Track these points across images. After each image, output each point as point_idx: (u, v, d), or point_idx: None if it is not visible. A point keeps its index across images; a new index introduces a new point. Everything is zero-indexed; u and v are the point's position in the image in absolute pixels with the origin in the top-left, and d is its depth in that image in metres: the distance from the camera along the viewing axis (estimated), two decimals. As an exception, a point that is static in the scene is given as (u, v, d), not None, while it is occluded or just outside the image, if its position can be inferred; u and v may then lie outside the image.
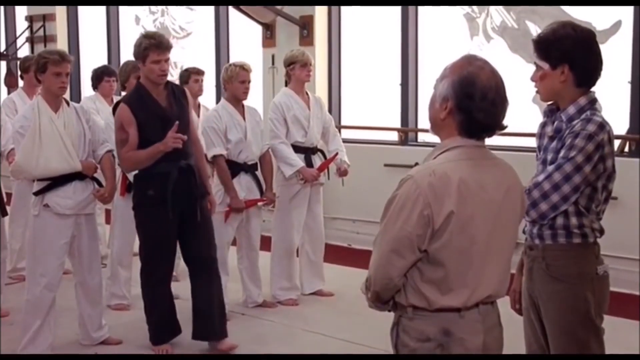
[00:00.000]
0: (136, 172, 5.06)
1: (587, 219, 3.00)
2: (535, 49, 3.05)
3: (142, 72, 4.93)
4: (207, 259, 5.08)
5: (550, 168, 2.96)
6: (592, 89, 3.04)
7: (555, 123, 3.05)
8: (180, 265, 7.02)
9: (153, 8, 9.84)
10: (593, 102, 3.02)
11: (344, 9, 8.04)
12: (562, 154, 2.94)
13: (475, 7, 7.18)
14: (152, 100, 4.87)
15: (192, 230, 4.99)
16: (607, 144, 2.96)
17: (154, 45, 4.77)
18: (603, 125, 2.95)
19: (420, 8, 7.51)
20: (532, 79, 3.09)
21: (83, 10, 10.63)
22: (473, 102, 2.36)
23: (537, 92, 3.11)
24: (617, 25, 6.24)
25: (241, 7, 7.74)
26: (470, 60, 2.42)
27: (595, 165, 2.94)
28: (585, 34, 3.00)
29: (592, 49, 3.00)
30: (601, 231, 3.07)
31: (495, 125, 2.42)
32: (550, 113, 3.13)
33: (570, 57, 2.95)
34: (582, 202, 2.98)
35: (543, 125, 3.16)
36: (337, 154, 6.24)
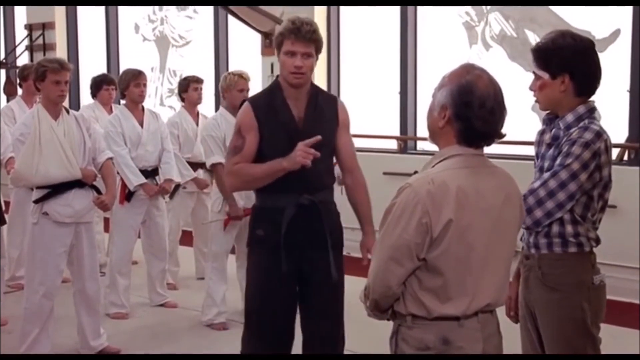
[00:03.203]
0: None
1: (582, 227, 3.00)
2: (534, 58, 3.05)
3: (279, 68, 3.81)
4: (327, 339, 3.82)
5: (546, 175, 2.97)
6: (591, 98, 3.05)
7: (553, 131, 3.06)
8: (180, 273, 7.06)
9: (152, 16, 9.86)
10: (592, 110, 3.03)
11: (343, 16, 8.05)
12: (558, 161, 2.94)
13: (474, 16, 7.19)
14: (283, 105, 3.71)
15: (313, 294, 3.74)
16: (603, 152, 2.96)
17: (289, 31, 3.62)
18: (600, 134, 2.95)
19: (420, 15, 7.52)
20: (531, 88, 3.09)
21: (82, 19, 10.64)
22: (471, 110, 2.36)
23: (536, 101, 3.11)
24: (615, 33, 6.26)
25: (240, 15, 7.75)
26: (468, 69, 2.43)
27: (592, 173, 2.94)
28: (585, 44, 3.00)
29: (592, 58, 3.01)
30: (597, 240, 3.07)
31: (493, 133, 2.42)
32: (549, 121, 3.13)
33: (570, 66, 2.96)
34: (577, 210, 2.98)
35: (541, 133, 3.17)
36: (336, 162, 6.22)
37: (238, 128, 3.75)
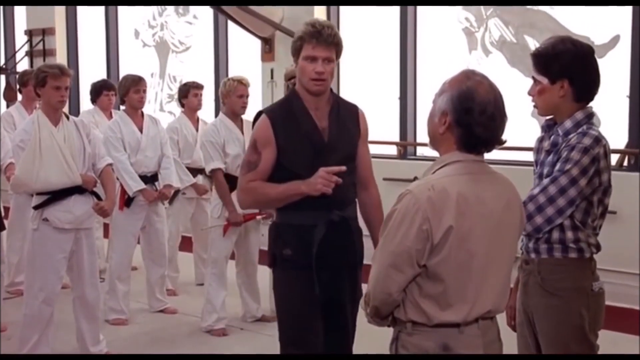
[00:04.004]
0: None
1: (583, 233, 3.00)
2: (534, 64, 3.06)
3: (298, 76, 3.52)
4: (343, 352, 3.65)
5: (545, 181, 2.97)
6: (590, 104, 3.06)
7: (552, 137, 3.06)
8: (179, 279, 7.05)
9: (152, 22, 9.87)
10: (590, 116, 3.04)
11: (342, 22, 8.05)
12: (557, 167, 2.95)
13: (473, 22, 7.20)
14: (306, 117, 3.46)
15: (336, 311, 3.51)
16: (602, 158, 2.97)
17: (310, 35, 3.38)
18: (599, 139, 2.96)
19: (419, 21, 7.52)
20: (530, 93, 3.10)
21: (82, 24, 10.65)
22: (472, 116, 2.37)
23: (534, 106, 3.12)
24: (615, 39, 6.25)
25: (240, 21, 7.75)
26: (468, 75, 2.43)
27: (591, 179, 2.95)
28: (584, 49, 3.01)
29: (591, 64, 3.02)
30: (597, 246, 3.07)
31: (494, 139, 2.43)
32: (548, 128, 3.14)
33: (570, 72, 2.97)
34: (578, 216, 2.99)
35: (540, 140, 3.18)
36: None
37: (254, 142, 3.47)
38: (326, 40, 3.38)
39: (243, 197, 3.55)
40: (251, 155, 3.47)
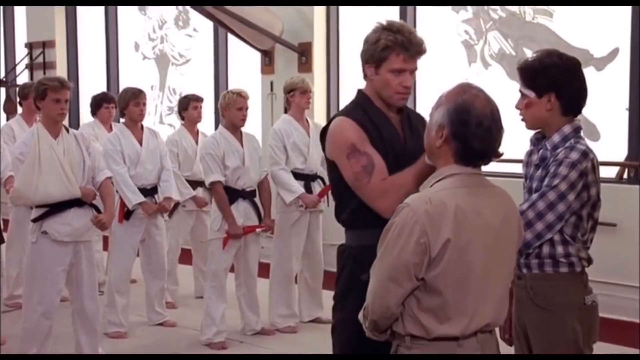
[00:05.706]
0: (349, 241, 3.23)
1: (573, 247, 3.01)
2: (520, 77, 3.07)
3: (371, 83, 3.11)
4: None
5: (534, 196, 2.97)
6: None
7: (540, 151, 3.07)
8: (179, 292, 7.04)
9: (152, 35, 9.89)
10: (577, 129, 3.05)
11: (343, 35, 8.05)
12: (546, 182, 2.96)
13: (473, 34, 7.21)
14: (386, 123, 3.10)
15: None
16: (590, 172, 2.98)
17: (401, 45, 3.01)
18: (586, 153, 2.97)
19: (419, 32, 7.53)
20: (517, 106, 3.12)
21: (83, 37, 10.68)
22: (468, 129, 2.37)
23: (522, 120, 3.13)
24: (614, 52, 6.26)
25: (240, 34, 7.77)
26: (465, 88, 2.44)
27: (579, 193, 2.95)
28: (571, 63, 3.03)
29: (578, 77, 3.03)
30: (589, 260, 3.07)
31: (491, 152, 2.43)
32: (537, 142, 3.16)
33: (556, 85, 2.98)
34: (567, 230, 2.99)
35: (529, 154, 3.20)
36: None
37: (351, 147, 3.00)
38: (418, 52, 3.06)
39: (389, 200, 2.87)
40: (359, 160, 2.98)
